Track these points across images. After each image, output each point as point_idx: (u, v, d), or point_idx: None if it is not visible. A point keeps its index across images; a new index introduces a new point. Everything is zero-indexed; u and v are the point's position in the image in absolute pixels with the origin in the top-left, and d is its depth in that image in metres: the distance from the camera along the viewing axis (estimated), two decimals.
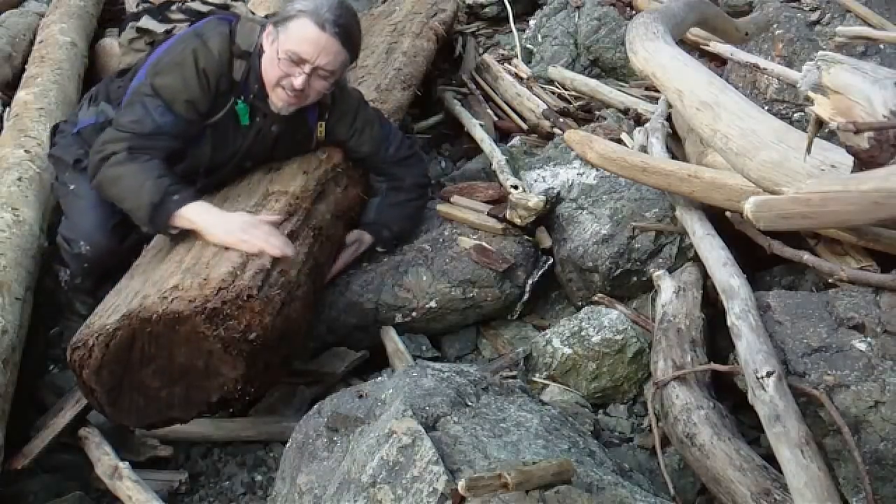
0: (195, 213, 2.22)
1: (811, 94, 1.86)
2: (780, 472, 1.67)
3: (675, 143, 3.02)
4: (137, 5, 3.97)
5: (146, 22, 2.73)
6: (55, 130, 2.69)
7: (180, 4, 2.75)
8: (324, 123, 2.61)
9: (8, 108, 3.36)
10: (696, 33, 3.58)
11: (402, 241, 2.77)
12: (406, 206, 2.77)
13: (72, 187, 2.48)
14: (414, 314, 2.64)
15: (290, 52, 2.31)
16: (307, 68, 2.33)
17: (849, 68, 1.81)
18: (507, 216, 2.75)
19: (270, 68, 2.37)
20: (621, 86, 3.91)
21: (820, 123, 1.82)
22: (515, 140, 3.53)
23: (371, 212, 2.74)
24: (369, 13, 4.22)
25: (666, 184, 2.49)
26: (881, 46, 2.97)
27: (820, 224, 2.02)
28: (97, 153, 2.32)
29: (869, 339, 1.91)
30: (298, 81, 2.33)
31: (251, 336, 2.03)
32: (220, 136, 2.47)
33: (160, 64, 2.42)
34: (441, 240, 2.78)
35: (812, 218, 1.77)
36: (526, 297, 2.72)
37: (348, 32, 2.35)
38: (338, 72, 2.41)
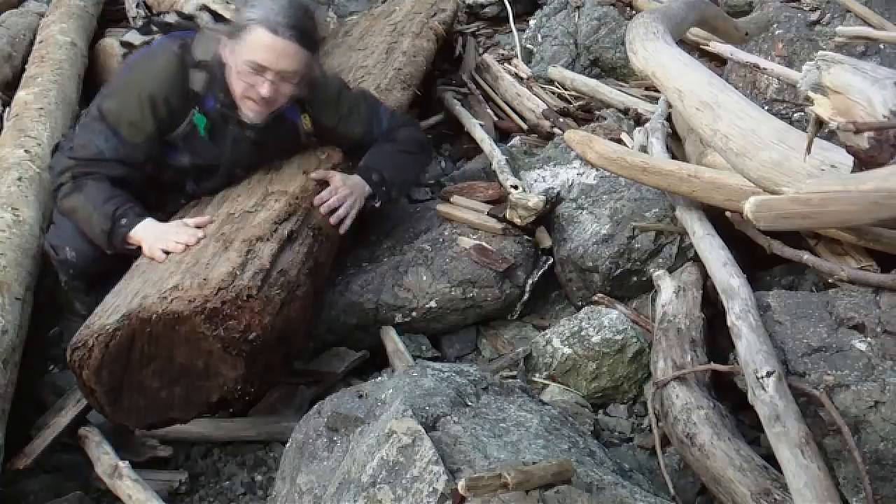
0: (138, 234, 2.30)
1: (811, 94, 1.85)
2: (780, 472, 1.67)
3: (675, 143, 3.02)
4: (138, 5, 4.00)
5: (130, 36, 2.78)
6: (56, 148, 2.70)
7: (156, 18, 2.80)
8: (307, 115, 2.58)
9: (8, 108, 3.35)
10: (696, 33, 3.58)
11: (395, 189, 2.66)
12: (397, 156, 2.67)
13: None
14: (414, 314, 2.64)
15: (249, 62, 2.29)
16: (270, 76, 2.30)
17: (849, 68, 1.80)
18: (507, 216, 2.75)
19: (235, 81, 2.35)
20: (621, 86, 3.90)
21: (820, 123, 1.82)
22: (515, 140, 3.53)
23: (361, 160, 2.67)
24: (369, 13, 4.21)
25: (666, 184, 2.49)
26: (881, 46, 2.97)
27: (820, 224, 2.02)
28: (53, 184, 2.43)
29: (869, 339, 1.91)
30: (265, 90, 2.31)
31: (251, 336, 2.03)
32: (195, 147, 2.47)
33: (109, 87, 2.47)
34: (441, 240, 2.78)
35: (812, 218, 1.77)
36: (526, 297, 2.71)
37: (303, 32, 2.31)
38: (301, 72, 2.37)
